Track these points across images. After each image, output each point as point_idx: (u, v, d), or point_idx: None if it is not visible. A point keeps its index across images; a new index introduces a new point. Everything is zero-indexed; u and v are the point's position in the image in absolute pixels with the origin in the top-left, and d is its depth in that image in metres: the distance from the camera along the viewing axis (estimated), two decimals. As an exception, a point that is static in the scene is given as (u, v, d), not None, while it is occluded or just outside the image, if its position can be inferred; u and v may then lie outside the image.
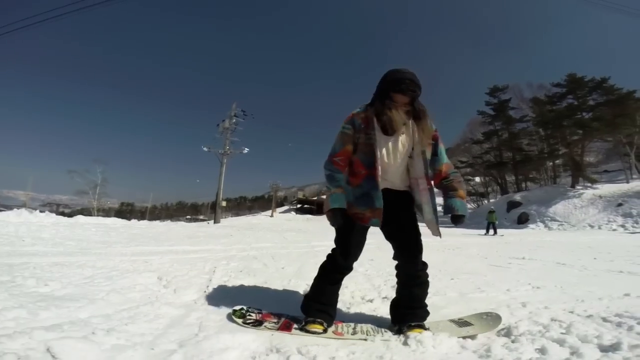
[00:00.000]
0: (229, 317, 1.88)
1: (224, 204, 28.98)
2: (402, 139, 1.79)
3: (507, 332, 1.69)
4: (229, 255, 5.01)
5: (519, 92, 36.23)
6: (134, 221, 14.61)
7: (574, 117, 28.47)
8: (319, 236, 10.30)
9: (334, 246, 1.90)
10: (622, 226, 18.23)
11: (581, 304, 2.32)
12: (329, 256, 1.93)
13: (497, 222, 16.70)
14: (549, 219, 21.88)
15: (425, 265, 1.88)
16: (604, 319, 1.87)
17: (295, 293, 2.65)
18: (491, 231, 15.98)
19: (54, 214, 12.40)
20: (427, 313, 1.85)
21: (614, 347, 1.41)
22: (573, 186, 26.55)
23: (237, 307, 1.95)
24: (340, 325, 1.86)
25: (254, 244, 7.44)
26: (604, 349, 1.42)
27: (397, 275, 1.92)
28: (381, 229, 1.85)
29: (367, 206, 1.76)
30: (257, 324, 1.80)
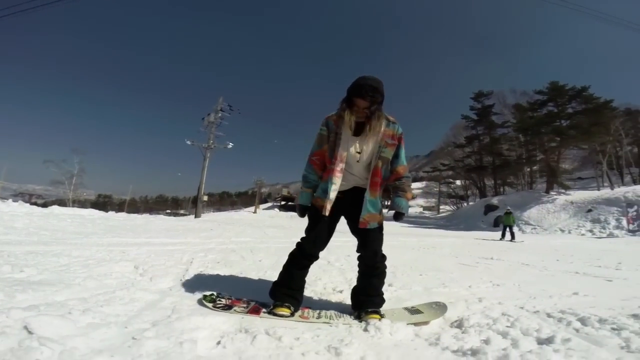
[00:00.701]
0: (200, 302, 1.99)
1: (205, 198, 28.70)
2: (368, 139, 1.94)
3: (460, 324, 1.83)
4: (207, 248, 5.05)
5: (502, 98, 37.40)
6: (111, 213, 14.27)
7: (553, 124, 29.44)
8: (300, 233, 10.32)
9: (304, 235, 2.05)
10: (590, 231, 19.15)
11: (532, 300, 2.51)
12: (298, 244, 2.07)
13: (515, 225, 14.55)
14: (523, 222, 22.72)
15: (384, 257, 2.08)
16: (548, 315, 2.03)
17: (270, 283, 2.76)
18: (507, 235, 13.68)
19: (27, 204, 12.00)
20: (383, 300, 2.05)
21: (549, 340, 1.55)
22: (547, 192, 27.58)
23: (208, 293, 2.06)
24: (306, 310, 2.00)
25: (234, 238, 7.48)
26: (540, 342, 1.55)
27: (358, 266, 2.11)
28: (347, 223, 2.06)
29: (325, 197, 1.93)
30: (227, 308, 1.91)
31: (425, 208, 60.10)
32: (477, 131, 38.52)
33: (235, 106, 30.00)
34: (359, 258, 2.09)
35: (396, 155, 2.04)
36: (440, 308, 2.03)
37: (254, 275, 3.06)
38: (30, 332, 1.30)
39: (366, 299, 1.98)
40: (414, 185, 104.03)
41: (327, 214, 1.92)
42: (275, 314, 1.87)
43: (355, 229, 2.02)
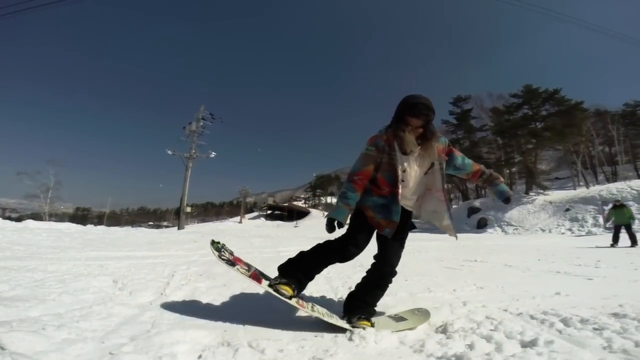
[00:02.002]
0: (212, 243, 1.99)
1: (188, 209, 28.14)
2: (417, 158, 1.97)
3: (444, 329, 1.83)
4: (190, 260, 4.93)
5: (480, 102, 38.21)
6: (90, 226, 13.81)
7: (528, 126, 30.30)
8: (286, 242, 10.30)
9: (342, 237, 2.02)
10: (570, 230, 19.74)
11: (515, 302, 2.53)
12: (341, 243, 1.99)
13: (634, 222, 10.59)
14: (505, 223, 23.26)
15: (395, 274, 2.09)
16: (531, 317, 2.04)
17: (254, 295, 2.71)
18: (620, 239, 9.85)
19: (0, 219, 11.51)
20: (375, 312, 2.05)
21: (532, 343, 1.55)
22: (527, 192, 28.33)
23: (216, 240, 2.04)
24: (303, 301, 1.99)
25: (219, 249, 7.33)
26: (524, 345, 1.56)
27: (368, 271, 2.10)
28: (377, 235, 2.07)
29: (384, 217, 1.95)
30: (230, 264, 1.90)
31: (411, 212, 60.81)
32: (457, 135, 39.29)
33: (217, 114, 29.72)
34: (373, 265, 2.09)
35: (462, 163, 2.14)
36: (422, 314, 2.05)
37: (237, 287, 2.98)
38: (2, 349, 1.25)
39: (362, 306, 1.98)
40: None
41: (389, 235, 1.96)
42: (277, 290, 1.84)
43: (385, 240, 2.02)
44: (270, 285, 1.86)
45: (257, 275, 1.91)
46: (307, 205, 79.93)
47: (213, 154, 28.26)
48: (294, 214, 51.19)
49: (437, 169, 1.99)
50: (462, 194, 40.66)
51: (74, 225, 12.90)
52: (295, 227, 39.86)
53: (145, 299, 2.37)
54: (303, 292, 2.16)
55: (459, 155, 2.13)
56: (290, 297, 1.84)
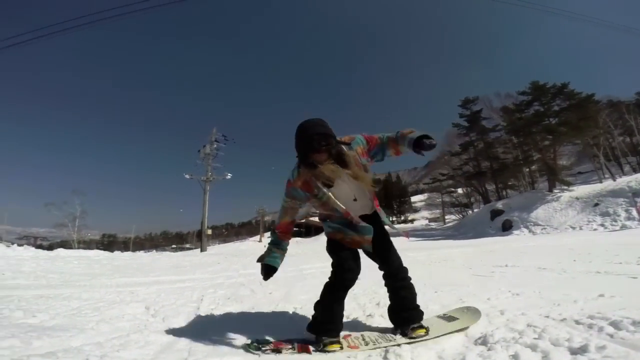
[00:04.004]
0: (245, 348, 1.87)
1: (209, 232, 28.47)
2: (345, 180, 1.93)
3: (484, 341, 1.76)
4: (216, 283, 4.96)
5: (488, 102, 37.52)
6: (117, 253, 14.18)
7: (542, 123, 29.59)
8: (307, 259, 10.23)
9: (334, 268, 2.01)
10: (602, 225, 18.80)
11: (557, 307, 2.40)
12: (334, 275, 2.00)
13: None
14: (532, 223, 22.45)
15: (405, 270, 2.08)
16: (577, 322, 1.94)
17: (283, 316, 2.70)
18: None
19: (32, 247, 12.01)
20: (422, 312, 2.03)
21: (583, 349, 1.47)
22: (550, 190, 27.39)
23: (249, 341, 1.95)
24: (349, 338, 1.97)
25: (242, 270, 7.35)
26: (574, 352, 1.48)
27: (385, 285, 2.11)
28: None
29: (355, 231, 1.95)
30: (277, 351, 1.84)
31: (430, 220, 59.68)
32: (470, 137, 38.74)
33: (229, 135, 30.26)
34: (383, 277, 2.11)
35: (377, 152, 2.02)
36: (472, 312, 1.99)
37: (266, 309, 2.98)
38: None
39: (407, 315, 1.97)
40: (417, 198, 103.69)
41: (370, 249, 1.99)
42: (327, 351, 1.81)
43: (374, 246, 2.01)
44: (319, 350, 1.83)
45: (303, 347, 1.89)
46: (322, 220, 79.65)
47: (229, 176, 28.64)
48: (311, 230, 51.00)
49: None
50: (482, 197, 39.67)
51: (103, 252, 13.25)
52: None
53: (177, 325, 2.40)
54: None
55: (377, 137, 2.01)
56: (341, 349, 1.83)
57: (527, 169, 34.20)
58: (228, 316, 2.75)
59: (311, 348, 1.86)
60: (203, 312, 2.81)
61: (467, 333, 1.93)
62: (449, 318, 1.99)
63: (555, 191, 26.58)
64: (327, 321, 1.93)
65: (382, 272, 2.10)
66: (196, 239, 61.39)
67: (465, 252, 9.44)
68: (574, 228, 19.87)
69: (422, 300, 2.95)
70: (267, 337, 2.04)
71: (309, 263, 8.69)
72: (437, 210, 57.17)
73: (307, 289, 3.84)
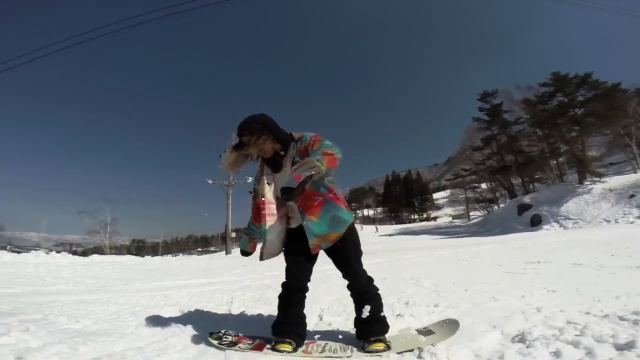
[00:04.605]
0: (206, 341, 2.00)
1: (233, 234, 28.86)
2: (283, 170, 2.02)
3: (522, 338, 1.72)
4: (243, 286, 5.05)
5: (508, 95, 36.43)
6: (147, 257, 14.75)
7: (567, 114, 28.59)
8: (329, 260, 10.21)
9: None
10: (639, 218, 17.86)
11: (597, 304, 2.33)
12: (283, 282, 2.03)
13: None
14: (563, 217, 21.53)
15: (369, 279, 2.00)
16: (621, 318, 1.87)
17: (311, 317, 2.70)
18: None
19: (69, 254, 12.66)
20: (386, 326, 1.94)
21: (630, 345, 1.42)
22: (581, 182, 26.22)
23: (215, 331, 2.09)
24: (311, 345, 1.97)
25: (267, 272, 7.44)
26: (620, 348, 1.43)
27: (350, 296, 2.03)
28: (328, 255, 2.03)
29: (264, 244, 2.00)
30: (232, 344, 1.95)
31: (454, 217, 58.28)
32: (492, 131, 37.58)
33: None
34: (347, 287, 2.02)
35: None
36: (451, 324, 1.90)
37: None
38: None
39: (367, 328, 1.90)
40: (439, 194, 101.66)
41: (262, 259, 2.01)
42: (277, 350, 1.85)
43: (332, 259, 2.03)
44: (271, 349, 1.88)
45: (261, 345, 1.95)
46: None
47: (250, 179, 28.88)
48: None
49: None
50: (508, 192, 38.41)
51: (134, 257, 13.78)
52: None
53: (211, 329, 2.45)
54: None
55: (317, 144, 1.88)
56: (293, 351, 1.86)
57: (555, 162, 32.87)
58: (259, 318, 2.79)
59: (267, 346, 1.92)
60: (234, 315, 2.87)
61: (502, 331, 1.89)
62: (426, 332, 1.92)
63: (587, 183, 25.42)
64: (280, 322, 1.97)
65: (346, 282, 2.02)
66: (220, 242, 62.68)
67: (493, 249, 9.19)
68: (608, 221, 18.94)
69: (453, 300, 2.94)
70: (230, 331, 2.12)
71: (331, 263, 8.71)
72: (461, 207, 55.75)
73: (332, 290, 3.85)
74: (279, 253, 2.04)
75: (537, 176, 35.49)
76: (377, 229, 48.05)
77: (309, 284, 2.02)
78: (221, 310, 3.13)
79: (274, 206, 1.96)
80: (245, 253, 2.26)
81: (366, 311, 1.89)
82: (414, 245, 15.88)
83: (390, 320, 2.39)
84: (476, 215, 47.07)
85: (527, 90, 34.21)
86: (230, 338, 2.02)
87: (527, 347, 1.61)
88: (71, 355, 1.68)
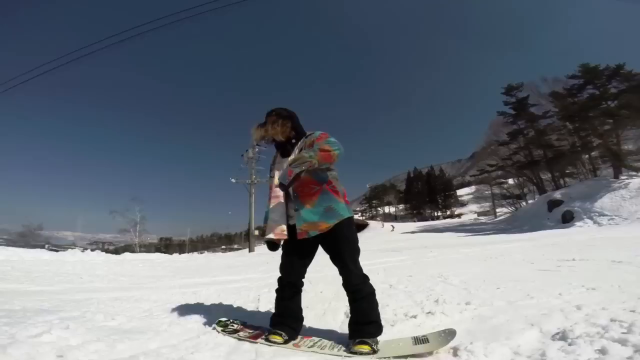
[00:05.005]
0: (208, 324, 2.22)
1: (256, 232, 29.33)
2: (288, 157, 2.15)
3: (563, 336, 1.66)
4: (269, 283, 5.08)
5: (535, 88, 35.22)
6: (175, 255, 15.27)
7: (600, 107, 27.41)
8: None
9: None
10: (683, 214, 16.77)
11: (643, 301, 2.21)
12: (278, 277, 2.15)
13: None
14: (597, 214, 20.51)
15: (364, 277, 1.95)
16: (671, 316, 1.77)
17: (337, 314, 2.71)
18: None
19: (103, 253, 13.31)
20: (379, 328, 1.89)
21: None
22: (616, 177, 24.91)
23: (222, 319, 2.28)
24: (305, 339, 2.04)
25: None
26: (672, 345, 1.35)
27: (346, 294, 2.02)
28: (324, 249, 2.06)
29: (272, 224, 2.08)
30: (233, 332, 2.12)
31: (479, 214, 56.67)
32: (518, 125, 36.26)
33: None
34: (342, 284, 2.01)
35: None
36: (448, 335, 1.82)
37: (319, 308, 2.99)
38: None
39: (356, 328, 1.87)
40: (463, 191, 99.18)
41: (264, 236, 2.09)
42: (269, 341, 1.96)
43: (329, 253, 2.03)
44: (264, 339, 1.99)
45: (258, 335, 2.08)
46: (364, 218, 78.92)
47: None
48: (354, 223, 50.82)
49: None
50: (537, 187, 36.94)
51: (163, 254, 14.31)
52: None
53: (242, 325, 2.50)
54: (384, 325, 2.10)
55: (321, 141, 2.00)
56: (283, 343, 1.94)
57: (587, 156, 31.38)
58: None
59: (262, 337, 2.03)
60: (262, 312, 2.89)
61: (541, 329, 1.82)
62: (420, 340, 1.85)
63: (622, 178, 24.13)
64: (276, 314, 2.09)
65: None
66: (244, 239, 63.95)
67: (522, 246, 8.86)
68: (648, 217, 17.87)
69: (485, 297, 2.86)
70: (238, 321, 2.30)
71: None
72: (487, 204, 54.06)
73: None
74: (285, 236, 2.04)
75: (568, 171, 34.02)
76: (392, 227, 47.32)
77: (304, 280, 2.14)
78: (249, 307, 3.17)
79: (278, 189, 2.06)
80: (272, 244, 2.19)
81: (355, 311, 1.92)
82: (438, 243, 15.56)
83: (420, 318, 2.38)
84: (503, 212, 45.58)
85: (555, 83, 33.04)
86: (234, 327, 2.20)
87: (570, 344, 1.55)
88: (109, 353, 1.73)
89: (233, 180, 28.72)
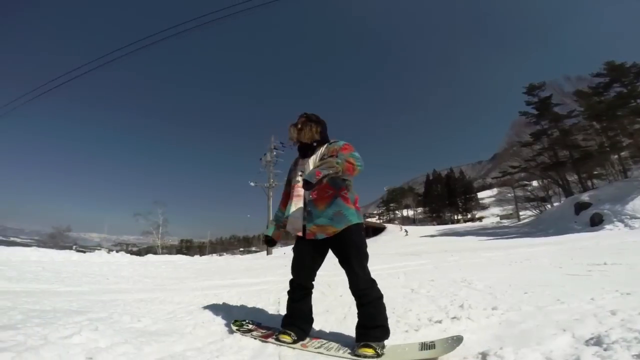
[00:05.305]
0: (229, 326, 2.33)
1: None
2: (310, 157, 2.25)
3: (598, 341, 1.59)
4: (287, 286, 5.13)
5: (558, 87, 34.26)
6: (196, 257, 15.59)
7: (629, 105, 26.35)
8: (370, 261, 10.09)
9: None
10: None
11: (683, 307, 2.09)
12: (289, 279, 2.23)
13: None
14: (628, 217, 19.50)
15: (372, 282, 1.98)
16: None
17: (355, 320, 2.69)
18: None
19: (128, 254, 13.74)
20: (385, 332, 1.91)
21: None
22: (650, 177, 23.68)
23: (239, 319, 2.42)
24: (313, 340, 2.10)
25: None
26: None
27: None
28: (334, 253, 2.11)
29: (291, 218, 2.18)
30: (248, 332, 2.24)
31: (502, 217, 55.03)
32: (541, 126, 35.09)
33: (286, 142, 31.21)
34: (349, 288, 2.04)
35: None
36: (455, 341, 1.76)
37: (339, 312, 2.97)
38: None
39: (362, 332, 1.90)
40: (484, 193, 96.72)
41: (286, 228, 2.21)
42: (278, 340, 2.05)
43: (338, 257, 2.07)
44: (275, 339, 2.08)
45: (269, 335, 2.18)
46: (381, 221, 78.09)
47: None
48: (369, 231, 50.37)
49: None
50: (563, 189, 35.56)
51: (184, 256, 14.65)
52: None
53: (263, 329, 2.50)
54: (408, 330, 2.19)
55: (345, 152, 2.08)
56: (292, 342, 2.01)
57: (616, 156, 30.01)
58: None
59: (273, 336, 2.12)
60: (283, 315, 2.91)
61: (574, 334, 1.75)
62: (427, 346, 1.81)
63: (656, 178, 22.89)
64: (286, 315, 2.19)
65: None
66: (262, 242, 64.64)
67: (549, 250, 8.53)
68: (685, 220, 16.88)
69: (512, 302, 2.78)
70: (253, 321, 2.43)
71: (373, 265, 8.60)
72: (510, 206, 52.48)
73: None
74: (300, 233, 2.13)
75: (595, 172, 32.61)
76: (406, 231, 46.37)
77: (314, 283, 2.22)
78: (270, 310, 3.19)
79: (301, 189, 2.12)
80: (271, 241, 2.36)
81: (362, 315, 1.95)
82: (459, 247, 15.20)
83: (445, 323, 2.32)
84: (527, 215, 44.14)
85: (579, 81, 32.11)
86: (249, 327, 2.33)
87: (605, 349, 1.48)
88: (136, 356, 1.76)
89: (252, 184, 29.12)
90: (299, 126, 2.24)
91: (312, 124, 2.24)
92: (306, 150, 2.26)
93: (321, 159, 2.10)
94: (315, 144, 2.23)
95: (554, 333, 1.82)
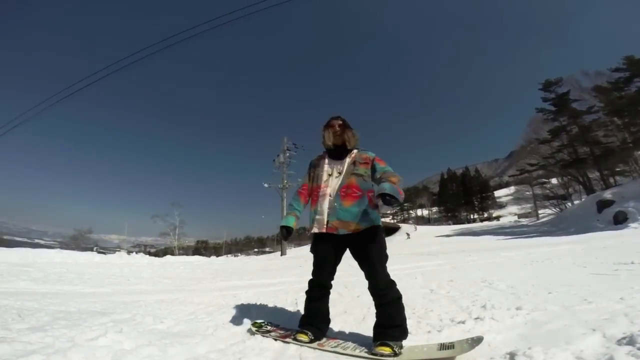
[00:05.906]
0: (249, 328, 2.38)
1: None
2: (344, 160, 2.32)
3: (630, 341, 1.54)
4: (304, 287, 5.12)
5: (575, 82, 33.14)
6: (213, 258, 15.80)
7: (652, 100, 25.15)
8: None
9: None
10: None
11: None
12: (309, 279, 2.26)
13: None
14: (654, 215, 18.76)
15: (391, 282, 1.99)
16: None
17: (354, 319, 2.74)
18: None
19: (147, 255, 14.03)
20: (403, 332, 1.92)
21: None
22: (677, 174, 22.70)
23: (258, 320, 2.48)
24: (330, 340, 2.12)
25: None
26: None
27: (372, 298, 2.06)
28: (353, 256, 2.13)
29: (318, 218, 2.17)
30: (267, 332, 2.28)
31: (520, 216, 53.66)
32: (560, 122, 34.00)
33: (298, 143, 31.25)
34: (368, 288, 2.07)
35: (374, 169, 2.20)
36: (474, 341, 1.73)
37: (358, 313, 2.97)
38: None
39: (380, 331, 1.91)
40: (501, 192, 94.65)
41: (324, 230, 2.10)
42: (296, 340, 2.07)
43: (355, 257, 2.11)
44: (293, 338, 2.10)
45: (286, 335, 2.21)
46: (395, 221, 77.29)
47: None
48: (384, 231, 49.68)
49: (349, 170, 2.21)
50: (584, 187, 34.43)
51: (202, 257, 14.86)
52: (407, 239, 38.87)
53: (282, 330, 2.50)
54: (430, 330, 2.20)
55: (381, 163, 2.22)
56: (309, 342, 2.04)
57: (640, 153, 28.92)
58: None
59: (291, 336, 2.14)
60: (301, 315, 2.91)
61: (604, 334, 1.70)
62: (446, 346, 1.79)
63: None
64: (304, 315, 2.21)
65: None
66: (276, 243, 64.91)
67: (571, 249, 8.28)
68: None
69: (537, 302, 2.71)
70: (271, 322, 2.49)
71: (389, 265, 8.51)
72: (528, 205, 51.13)
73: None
74: (324, 229, 2.13)
75: (618, 169, 31.46)
76: (408, 235, 44.63)
77: (332, 283, 2.26)
78: (288, 311, 3.20)
79: (327, 188, 2.18)
80: (288, 231, 2.26)
81: (381, 315, 1.97)
82: (477, 247, 14.91)
83: (469, 323, 2.29)
84: (546, 213, 42.90)
85: (597, 76, 31.07)
86: (268, 327, 2.38)
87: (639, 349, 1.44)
88: (161, 358, 1.78)
89: (266, 185, 29.32)
90: (338, 130, 2.28)
91: (351, 129, 2.30)
92: (340, 153, 2.28)
93: (352, 163, 2.20)
94: (348, 148, 2.28)
95: (583, 333, 1.77)
